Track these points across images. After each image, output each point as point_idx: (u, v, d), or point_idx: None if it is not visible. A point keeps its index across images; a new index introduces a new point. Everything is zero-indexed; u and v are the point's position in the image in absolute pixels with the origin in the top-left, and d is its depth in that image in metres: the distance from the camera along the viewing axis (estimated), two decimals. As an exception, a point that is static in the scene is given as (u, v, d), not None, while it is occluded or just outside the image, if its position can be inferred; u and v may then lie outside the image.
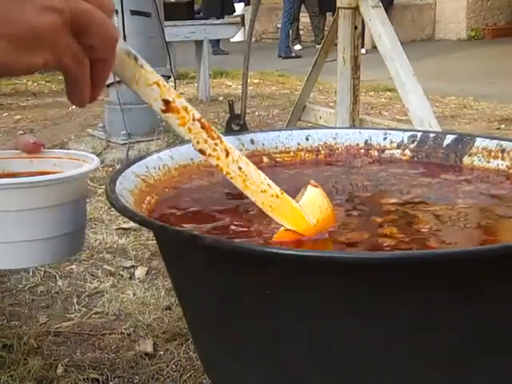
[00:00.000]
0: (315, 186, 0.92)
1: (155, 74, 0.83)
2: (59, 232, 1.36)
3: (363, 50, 8.88)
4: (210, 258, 0.86)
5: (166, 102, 0.82)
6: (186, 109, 0.83)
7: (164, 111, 0.82)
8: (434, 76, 7.36)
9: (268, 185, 0.89)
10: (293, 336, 0.87)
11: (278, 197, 0.89)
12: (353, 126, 3.06)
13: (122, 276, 2.53)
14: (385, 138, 1.35)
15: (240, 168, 0.86)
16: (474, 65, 9.07)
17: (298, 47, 11.64)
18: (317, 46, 11.27)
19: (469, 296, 0.83)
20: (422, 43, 11.86)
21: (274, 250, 0.79)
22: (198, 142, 0.84)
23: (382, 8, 3.12)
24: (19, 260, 1.40)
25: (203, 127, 0.84)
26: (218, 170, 0.87)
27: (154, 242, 2.70)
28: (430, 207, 1.06)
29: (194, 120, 0.83)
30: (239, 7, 13.47)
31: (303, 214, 0.90)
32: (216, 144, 0.85)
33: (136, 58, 0.83)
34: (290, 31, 11.40)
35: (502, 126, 5.34)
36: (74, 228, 1.41)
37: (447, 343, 0.86)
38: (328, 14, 11.47)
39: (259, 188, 0.88)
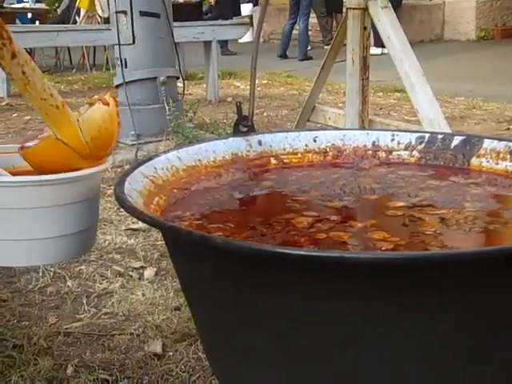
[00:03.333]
0: (106, 104, 0.95)
1: None
2: (72, 230, 1.37)
3: (379, 50, 8.85)
4: (220, 258, 0.87)
5: None
6: None
7: None
8: (443, 77, 7.33)
9: (50, 95, 0.92)
10: (304, 336, 0.87)
11: (57, 108, 0.93)
12: (360, 128, 3.06)
13: (132, 276, 2.54)
14: (392, 140, 1.35)
15: (24, 72, 0.87)
16: (484, 65, 9.03)
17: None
18: (325, 46, 11.21)
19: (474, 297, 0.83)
20: (430, 44, 11.82)
21: (285, 251, 0.79)
22: None
23: (392, 9, 3.12)
24: (31, 258, 1.40)
25: None
26: (1, 68, 0.88)
27: (163, 242, 2.70)
28: (437, 210, 1.06)
29: None
30: (247, 8, 13.48)
31: (78, 130, 0.93)
32: (4, 44, 0.83)
33: None
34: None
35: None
36: (87, 226, 1.41)
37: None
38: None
39: (40, 95, 0.91)
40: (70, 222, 1.34)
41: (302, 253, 0.77)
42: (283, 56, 10.94)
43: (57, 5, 13.41)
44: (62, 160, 0.98)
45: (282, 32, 11.24)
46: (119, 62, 4.47)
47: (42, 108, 0.92)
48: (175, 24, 4.88)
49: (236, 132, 1.40)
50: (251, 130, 1.40)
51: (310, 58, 10.53)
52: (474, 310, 0.85)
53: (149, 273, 2.58)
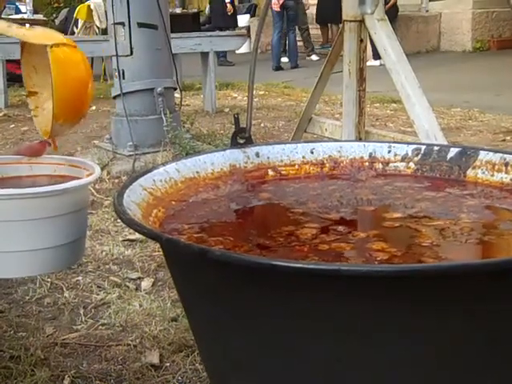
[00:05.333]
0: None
1: None
2: (61, 242, 1.37)
3: (377, 63, 8.92)
4: (219, 271, 0.87)
5: None
6: None
7: None
8: (440, 88, 7.37)
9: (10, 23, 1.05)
10: (303, 349, 0.87)
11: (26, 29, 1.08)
12: (357, 139, 3.07)
13: (129, 287, 2.54)
14: (389, 151, 1.36)
15: None
16: (480, 76, 9.07)
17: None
18: (307, 57, 11.52)
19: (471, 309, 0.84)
20: (427, 55, 11.87)
21: (282, 263, 0.79)
22: None
23: (388, 21, 3.14)
24: (20, 269, 1.41)
25: None
26: None
27: (160, 253, 2.70)
28: (433, 222, 1.07)
29: None
30: (245, 19, 13.55)
31: (53, 32, 1.09)
32: None
33: None
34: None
35: (508, 138, 5.33)
36: (75, 238, 1.42)
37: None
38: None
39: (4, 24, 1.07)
40: (58, 233, 1.35)
41: (300, 265, 0.77)
42: (278, 68, 11.17)
43: (55, 15, 13.45)
44: (74, 66, 1.10)
45: (271, 45, 11.44)
46: (117, 73, 4.49)
47: (17, 34, 1.06)
48: (173, 35, 4.90)
49: (234, 144, 1.41)
50: (249, 141, 1.41)
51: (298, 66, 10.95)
52: (474, 324, 0.85)
53: (146, 283, 2.58)
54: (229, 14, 12.05)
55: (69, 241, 1.38)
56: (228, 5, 12.04)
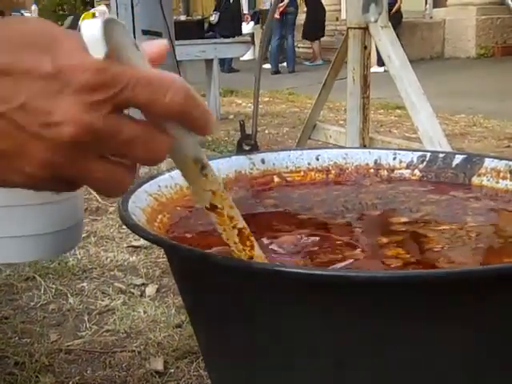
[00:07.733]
0: None
1: (215, 183, 0.74)
2: (53, 229, 1.38)
3: (381, 69, 8.96)
4: (222, 276, 0.87)
5: (214, 207, 0.76)
6: (231, 218, 0.79)
7: (208, 209, 0.77)
8: (444, 94, 7.38)
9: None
10: (307, 355, 0.87)
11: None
12: (362, 146, 3.08)
13: (133, 294, 2.54)
14: (394, 158, 1.36)
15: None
16: (484, 83, 9.08)
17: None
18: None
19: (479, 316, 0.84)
20: (431, 61, 11.90)
21: (286, 269, 0.79)
22: (227, 239, 0.81)
23: (392, 28, 3.14)
24: (11, 255, 1.41)
25: (239, 235, 0.81)
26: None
27: (165, 259, 2.71)
28: (439, 226, 1.07)
29: (233, 228, 0.79)
30: (249, 26, 13.61)
31: None
32: (244, 249, 0.82)
33: (203, 167, 0.71)
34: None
35: (512, 144, 5.34)
36: (68, 225, 1.42)
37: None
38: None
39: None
40: (48, 220, 1.36)
41: (305, 271, 0.77)
42: (276, 72, 11.40)
43: (60, 23, 13.52)
44: None
45: (270, 49, 11.61)
46: (122, 80, 4.50)
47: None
48: (177, 42, 4.91)
49: (239, 150, 1.41)
50: (254, 148, 1.41)
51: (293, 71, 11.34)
52: (482, 327, 0.85)
53: (150, 290, 2.58)
54: (246, 24, 12.34)
55: (62, 228, 1.39)
56: (248, 16, 12.35)
